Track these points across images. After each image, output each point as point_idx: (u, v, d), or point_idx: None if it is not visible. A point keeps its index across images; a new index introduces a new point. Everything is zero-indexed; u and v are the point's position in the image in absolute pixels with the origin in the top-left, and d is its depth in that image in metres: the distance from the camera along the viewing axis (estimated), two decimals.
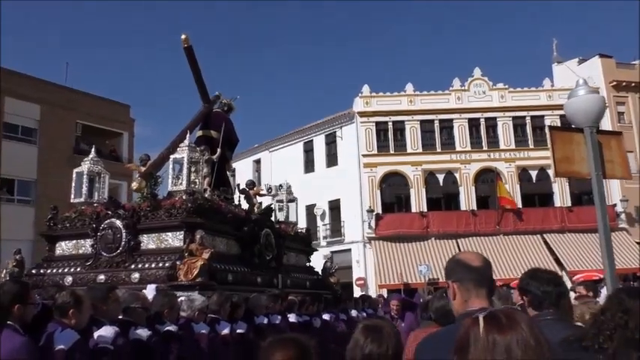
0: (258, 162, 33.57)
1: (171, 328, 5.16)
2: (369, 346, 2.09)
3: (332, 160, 30.12)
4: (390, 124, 28.92)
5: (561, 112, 23.16)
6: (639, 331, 2.06)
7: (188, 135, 9.12)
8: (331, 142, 30.31)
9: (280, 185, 28.22)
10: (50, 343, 3.59)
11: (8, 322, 3.00)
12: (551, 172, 28.11)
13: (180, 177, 8.67)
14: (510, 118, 28.98)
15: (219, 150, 9.87)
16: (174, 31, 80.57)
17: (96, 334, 4.00)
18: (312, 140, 31.11)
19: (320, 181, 28.81)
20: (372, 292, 22.79)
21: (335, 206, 29.39)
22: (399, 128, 29.02)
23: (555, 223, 27.17)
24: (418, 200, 27.91)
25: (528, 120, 29.00)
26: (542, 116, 28.55)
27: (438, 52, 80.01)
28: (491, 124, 29.13)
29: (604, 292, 8.41)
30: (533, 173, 28.58)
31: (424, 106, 29.04)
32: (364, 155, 28.32)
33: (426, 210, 27.62)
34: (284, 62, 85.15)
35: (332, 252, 26.03)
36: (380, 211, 27.62)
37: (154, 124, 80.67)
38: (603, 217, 4.83)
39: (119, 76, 79.35)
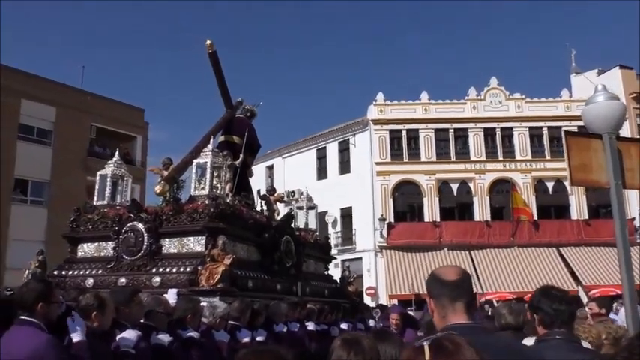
0: (270, 168, 33.73)
1: (194, 334, 5.16)
2: (354, 358, 2.08)
3: (345, 167, 30.26)
4: (404, 132, 28.98)
5: (579, 124, 23.08)
6: None
7: (212, 140, 9.26)
8: (344, 149, 30.44)
9: (293, 192, 28.36)
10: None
11: (33, 319, 3.04)
12: (567, 182, 28.02)
13: (202, 182, 8.79)
14: (527, 129, 28.94)
15: (241, 156, 10.01)
16: (195, 38, 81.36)
17: (118, 337, 4.07)
18: (325, 147, 31.28)
19: (332, 188, 28.82)
20: (383, 302, 22.78)
21: (347, 214, 29.48)
22: (413, 137, 29.07)
23: (572, 236, 26.93)
24: (431, 210, 27.91)
25: (545, 130, 28.92)
26: (560, 127, 28.28)
27: (453, 61, 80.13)
28: (507, 134, 29.10)
29: (622, 310, 8.25)
30: (550, 185, 28.45)
31: (439, 114, 29.08)
32: (377, 163, 28.40)
33: (439, 220, 27.60)
34: (298, 68, 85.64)
35: (343, 260, 26.04)
36: (392, 220, 27.67)
37: (169, 129, 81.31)
38: (622, 230, 4.60)
39: (134, 80, 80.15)
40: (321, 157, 31.43)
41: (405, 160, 28.71)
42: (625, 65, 29.37)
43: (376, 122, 28.90)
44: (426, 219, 27.81)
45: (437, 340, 1.29)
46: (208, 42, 9.92)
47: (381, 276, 26.65)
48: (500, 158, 28.72)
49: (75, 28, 74.58)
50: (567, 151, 4.66)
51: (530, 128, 28.96)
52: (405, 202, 28.51)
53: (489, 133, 29.06)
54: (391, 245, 27.00)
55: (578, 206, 27.94)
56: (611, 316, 7.18)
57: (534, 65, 78.13)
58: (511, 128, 29.01)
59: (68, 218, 9.65)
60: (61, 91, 26.75)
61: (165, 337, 4.67)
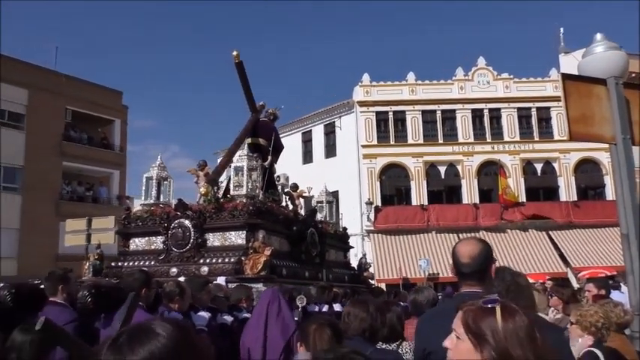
0: None
1: (248, 315, 6.65)
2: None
3: (331, 150, 32.32)
4: (391, 114, 31.03)
5: None
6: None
7: (245, 145, 11.51)
8: (330, 132, 32.44)
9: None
10: None
11: (139, 302, 4.17)
12: (556, 163, 30.81)
13: (239, 182, 11.04)
14: (515, 109, 31.33)
15: (269, 157, 12.30)
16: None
17: (194, 318, 5.65)
18: (310, 130, 33.24)
19: (318, 172, 30.40)
20: None
21: (333, 198, 31.46)
22: (400, 118, 31.17)
23: (560, 217, 29.32)
24: (419, 193, 30.13)
25: (534, 111, 31.35)
26: (549, 108, 30.89)
27: (441, 41, 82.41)
28: (495, 115, 31.47)
29: (624, 290, 8.13)
30: (538, 166, 31.05)
31: (426, 95, 31.19)
32: (364, 146, 30.44)
33: (426, 203, 29.83)
34: (283, 50, 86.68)
35: None
36: (379, 204, 29.78)
37: (157, 116, 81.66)
38: (632, 195, 4.19)
39: (118, 66, 79.96)
40: (307, 141, 33.43)
41: (392, 142, 30.83)
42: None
43: (362, 104, 30.88)
44: (414, 202, 30.05)
45: (503, 303, 1.46)
46: (235, 52, 12.01)
47: (369, 260, 28.86)
48: (489, 140, 31.10)
49: (48, 6, 73.79)
50: (565, 98, 4.33)
51: (519, 109, 31.36)
52: (392, 185, 30.70)
53: (477, 114, 31.41)
54: (378, 229, 29.15)
55: (566, 188, 30.47)
56: (616, 295, 7.39)
57: (522, 45, 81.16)
58: (499, 109, 31.41)
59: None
60: (34, 73, 27.95)
61: (228, 318, 6.44)
